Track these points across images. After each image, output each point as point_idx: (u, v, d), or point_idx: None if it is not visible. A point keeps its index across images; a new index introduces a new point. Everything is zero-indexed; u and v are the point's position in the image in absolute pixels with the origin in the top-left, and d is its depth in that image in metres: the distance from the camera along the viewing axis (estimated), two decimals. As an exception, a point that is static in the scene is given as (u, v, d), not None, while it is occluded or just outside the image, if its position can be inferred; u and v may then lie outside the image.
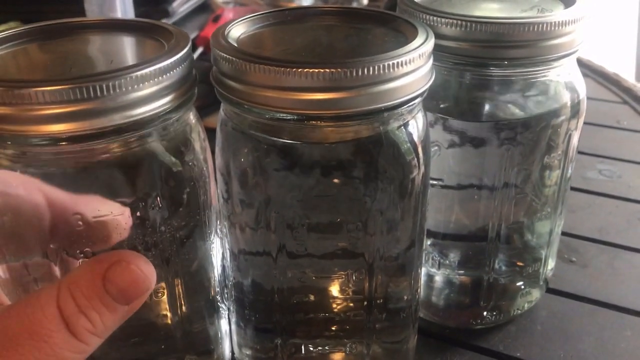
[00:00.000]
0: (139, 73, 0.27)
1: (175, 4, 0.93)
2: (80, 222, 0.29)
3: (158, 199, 0.30)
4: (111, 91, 0.26)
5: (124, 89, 0.26)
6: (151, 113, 0.28)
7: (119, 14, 0.71)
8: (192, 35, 0.95)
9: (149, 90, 0.28)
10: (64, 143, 0.27)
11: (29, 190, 0.29)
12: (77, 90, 0.25)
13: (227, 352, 0.40)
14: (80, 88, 0.25)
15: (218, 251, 0.37)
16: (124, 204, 0.30)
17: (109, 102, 0.26)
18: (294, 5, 1.08)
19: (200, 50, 0.93)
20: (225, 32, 0.32)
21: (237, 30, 0.33)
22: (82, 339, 0.26)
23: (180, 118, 0.31)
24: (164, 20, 0.34)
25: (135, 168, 0.30)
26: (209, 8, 1.09)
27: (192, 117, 0.33)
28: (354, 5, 1.10)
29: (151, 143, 0.30)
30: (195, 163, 0.32)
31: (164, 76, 0.28)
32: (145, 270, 0.28)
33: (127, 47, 0.33)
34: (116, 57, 0.31)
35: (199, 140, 0.33)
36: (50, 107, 0.25)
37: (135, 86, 0.27)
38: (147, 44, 0.32)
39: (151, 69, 0.27)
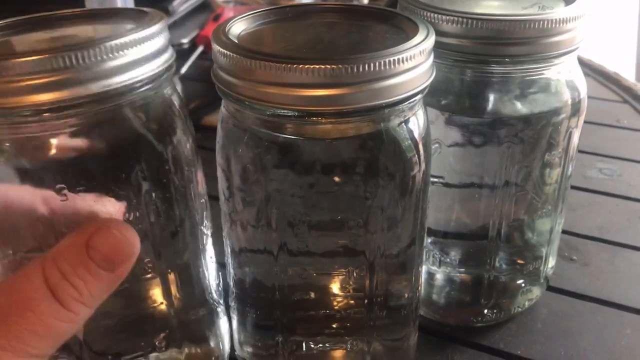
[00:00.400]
0: (115, 42, 0.28)
1: (175, 3, 0.93)
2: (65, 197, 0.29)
3: (141, 174, 0.31)
4: (89, 59, 0.27)
5: (101, 58, 0.27)
6: (129, 81, 0.29)
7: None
8: (193, 34, 0.95)
9: (125, 60, 0.28)
10: (45, 114, 0.27)
11: (20, 191, 0.29)
12: (56, 60, 0.26)
13: (227, 348, 0.40)
14: (58, 57, 0.26)
15: (210, 243, 0.37)
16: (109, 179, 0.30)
17: (87, 70, 0.27)
18: (294, 4, 1.08)
19: (200, 49, 0.93)
20: (226, 29, 0.32)
21: (238, 27, 0.33)
22: (69, 307, 0.26)
23: (158, 92, 0.32)
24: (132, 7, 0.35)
25: (117, 141, 0.31)
26: (209, 7, 1.09)
27: (175, 100, 0.34)
28: (355, 2, 1.10)
29: (132, 120, 0.31)
30: (177, 146, 0.33)
31: (140, 46, 0.29)
32: (128, 235, 0.28)
33: (106, 31, 0.34)
34: (96, 37, 0.32)
35: (183, 127, 0.34)
36: (30, 77, 0.26)
37: (112, 54, 0.28)
38: (124, 28, 0.33)
39: (126, 38, 0.28)
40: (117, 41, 0.28)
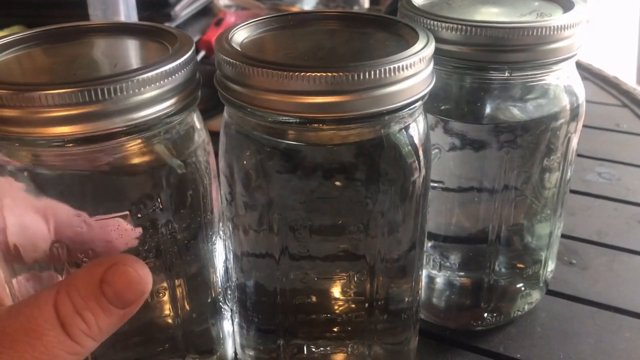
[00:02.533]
0: (142, 76, 0.27)
1: (177, 8, 0.94)
2: (83, 223, 0.29)
3: (160, 200, 0.31)
4: (116, 94, 0.27)
5: (127, 92, 0.27)
6: (155, 116, 0.29)
7: (122, 18, 0.71)
8: (195, 39, 0.95)
9: (152, 94, 0.28)
10: (70, 145, 0.27)
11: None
12: (82, 94, 0.26)
13: (229, 352, 0.40)
14: (86, 91, 0.26)
15: (220, 253, 0.37)
16: (128, 205, 0.30)
17: (113, 105, 0.27)
18: (295, 9, 1.08)
19: (202, 53, 0.93)
20: (229, 37, 0.32)
21: (241, 35, 0.33)
22: (77, 339, 0.26)
23: (183, 120, 0.32)
24: (166, 24, 0.34)
25: (139, 170, 0.31)
26: (211, 12, 1.09)
27: (195, 119, 0.33)
28: (355, 9, 1.11)
29: (155, 145, 0.30)
30: (199, 165, 0.33)
31: (168, 79, 0.29)
32: (142, 273, 0.28)
33: (132, 50, 0.33)
34: (120, 61, 0.32)
35: (202, 142, 0.33)
36: (56, 109, 0.26)
37: (139, 89, 0.27)
38: (151, 47, 0.33)
39: (155, 72, 0.28)
40: (146, 75, 0.27)
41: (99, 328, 0.27)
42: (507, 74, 0.37)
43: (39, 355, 0.25)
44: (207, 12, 1.08)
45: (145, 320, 0.35)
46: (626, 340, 0.46)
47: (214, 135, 0.35)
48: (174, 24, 0.93)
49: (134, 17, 0.75)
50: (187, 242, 0.33)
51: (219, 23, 1.00)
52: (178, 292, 0.34)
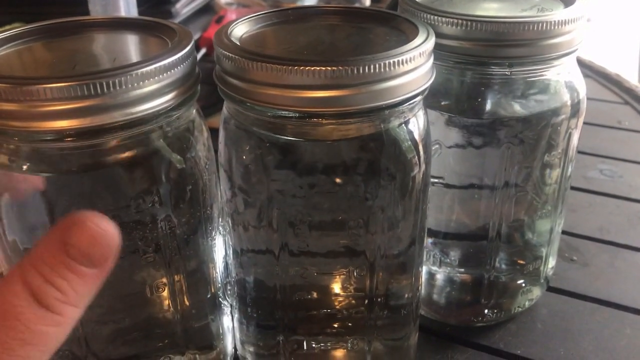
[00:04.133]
0: (141, 70, 0.27)
1: (178, 5, 0.94)
2: None
3: (159, 195, 0.31)
4: (114, 88, 0.26)
5: (127, 86, 0.27)
6: (154, 110, 0.28)
7: (122, 15, 0.71)
8: (195, 37, 0.95)
9: (151, 88, 0.28)
10: (68, 139, 0.27)
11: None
12: (81, 87, 0.26)
13: (229, 348, 0.40)
14: (84, 85, 0.26)
15: (220, 248, 0.37)
16: (127, 200, 0.30)
17: (112, 99, 0.27)
18: (296, 5, 1.08)
19: (203, 51, 0.93)
20: (229, 31, 0.32)
21: (240, 29, 0.33)
22: (55, 310, 0.25)
23: (183, 115, 0.32)
24: (159, 19, 0.34)
25: (139, 165, 0.30)
26: (212, 9, 1.09)
27: (195, 114, 0.33)
28: (357, 4, 1.10)
29: (154, 140, 0.30)
30: (198, 160, 0.33)
31: (167, 73, 0.29)
32: (104, 227, 0.26)
33: (131, 45, 0.33)
34: (120, 55, 0.32)
35: (202, 137, 0.33)
36: (55, 103, 0.26)
37: (138, 83, 0.27)
38: (150, 42, 0.33)
39: (154, 66, 0.28)
40: (145, 69, 0.27)
41: (75, 292, 0.25)
42: (508, 72, 0.37)
43: (20, 336, 0.24)
44: (208, 10, 1.08)
45: (145, 315, 0.35)
46: (627, 337, 0.46)
47: (213, 132, 0.35)
48: (174, 21, 0.93)
49: (134, 14, 0.75)
50: (187, 237, 0.33)
51: (219, 20, 1.00)
52: (178, 288, 0.34)
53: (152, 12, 0.88)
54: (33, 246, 0.25)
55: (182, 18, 0.97)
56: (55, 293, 0.25)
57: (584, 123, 0.42)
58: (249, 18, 0.34)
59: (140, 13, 0.77)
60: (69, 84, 0.26)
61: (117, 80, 0.26)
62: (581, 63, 0.41)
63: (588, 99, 0.41)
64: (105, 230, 0.26)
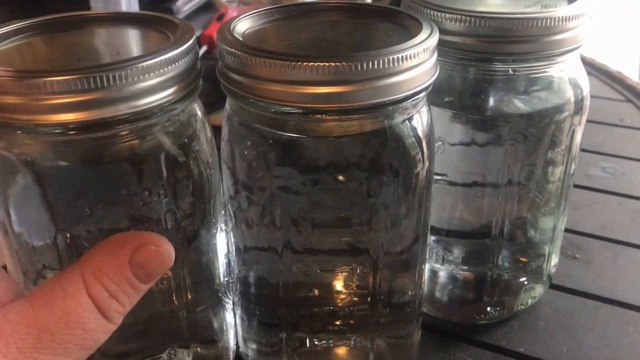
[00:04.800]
0: (144, 64, 0.27)
1: (179, 3, 0.94)
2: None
3: (163, 189, 0.31)
4: (118, 81, 0.27)
5: (130, 80, 0.27)
6: (156, 103, 0.29)
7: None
8: (196, 34, 0.95)
9: (154, 81, 0.28)
10: (72, 132, 0.27)
11: None
12: (85, 80, 0.26)
13: (231, 343, 0.40)
14: (88, 78, 0.26)
15: (222, 243, 0.37)
16: (129, 193, 0.30)
17: (115, 92, 0.27)
18: (298, 1, 1.08)
19: (204, 48, 0.93)
20: (231, 27, 0.32)
21: (243, 25, 0.33)
22: (114, 320, 0.27)
23: (185, 109, 0.32)
24: (161, 13, 0.34)
25: (142, 158, 0.31)
26: (213, 7, 1.09)
27: (197, 108, 0.33)
28: (358, 0, 1.10)
29: (157, 133, 0.30)
30: (201, 154, 0.33)
31: (169, 67, 0.29)
32: (169, 249, 0.29)
33: (133, 39, 0.33)
34: (122, 49, 0.32)
35: (204, 131, 0.33)
36: (59, 96, 0.26)
37: (141, 77, 0.27)
38: (152, 36, 0.33)
39: (156, 60, 0.28)
40: (148, 62, 0.27)
41: (131, 305, 0.28)
42: (510, 71, 0.37)
43: (82, 342, 0.26)
44: (209, 7, 1.08)
45: (150, 309, 0.35)
46: (630, 335, 0.46)
47: (215, 130, 0.35)
48: (175, 19, 0.93)
49: (135, 9, 0.75)
50: (191, 231, 0.33)
51: (220, 18, 1.00)
52: (182, 281, 0.34)
53: (152, 9, 0.88)
54: (91, 252, 0.27)
55: (183, 15, 0.97)
56: (118, 307, 0.27)
57: (586, 121, 0.42)
58: (251, 14, 0.34)
59: (141, 10, 0.76)
60: (73, 77, 0.26)
61: (120, 74, 0.26)
62: (583, 61, 0.41)
63: (590, 96, 0.41)
64: (169, 253, 0.28)
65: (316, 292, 0.36)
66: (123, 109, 0.27)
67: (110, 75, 0.26)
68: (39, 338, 0.25)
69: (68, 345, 0.26)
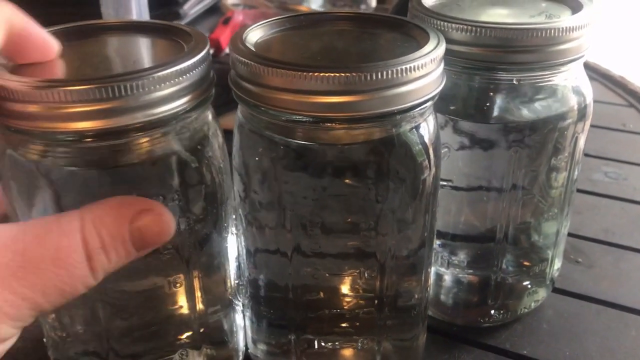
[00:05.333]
0: (160, 74, 0.28)
1: (186, 7, 0.94)
2: None
3: (177, 193, 0.32)
4: (135, 91, 0.27)
5: (146, 89, 0.28)
6: (171, 112, 0.29)
7: (134, 17, 0.72)
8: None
9: (169, 90, 0.29)
10: (89, 140, 0.28)
11: None
12: (103, 90, 0.27)
13: (241, 345, 0.41)
14: (107, 88, 0.27)
15: (233, 246, 0.38)
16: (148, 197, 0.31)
17: (132, 101, 0.28)
18: (302, 8, 1.08)
19: (210, 52, 0.94)
20: (243, 37, 0.33)
21: (255, 35, 0.34)
22: (96, 275, 0.26)
23: (198, 117, 0.33)
24: (175, 22, 0.35)
25: (156, 164, 0.31)
26: (219, 10, 1.10)
27: (209, 116, 0.34)
28: (363, 8, 1.11)
29: (171, 140, 0.31)
30: (213, 160, 0.34)
31: (184, 77, 0.29)
32: (171, 223, 0.28)
33: (149, 49, 0.34)
34: (138, 58, 0.32)
35: (216, 138, 0.34)
36: (77, 105, 0.27)
37: (157, 86, 0.28)
38: (166, 45, 0.33)
39: (172, 69, 0.29)
40: (164, 72, 0.28)
41: (115, 267, 0.27)
42: (515, 81, 0.38)
43: (61, 285, 0.25)
44: (215, 11, 1.09)
45: (163, 311, 0.36)
46: (632, 339, 0.46)
47: (223, 133, 0.35)
48: (182, 22, 0.94)
49: (145, 15, 0.75)
50: (203, 235, 0.34)
51: (227, 21, 1.01)
52: (194, 284, 0.35)
53: (160, 13, 0.89)
54: (95, 203, 0.27)
55: (189, 19, 0.97)
56: (104, 262, 0.26)
57: (589, 125, 0.42)
58: (263, 24, 0.35)
59: (150, 14, 0.77)
60: (92, 86, 0.27)
61: (137, 83, 0.27)
62: (586, 65, 0.42)
63: (593, 101, 0.42)
64: (170, 227, 0.28)
65: (325, 294, 0.37)
66: (139, 118, 0.28)
67: (128, 85, 0.27)
68: (22, 267, 0.24)
69: (47, 284, 0.24)
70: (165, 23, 0.35)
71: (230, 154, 0.35)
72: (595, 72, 0.92)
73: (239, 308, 0.40)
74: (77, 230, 0.25)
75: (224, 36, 0.94)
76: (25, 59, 0.30)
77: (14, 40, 0.28)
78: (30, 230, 0.25)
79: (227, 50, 0.93)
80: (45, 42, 0.30)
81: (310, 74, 0.28)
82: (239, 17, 1.01)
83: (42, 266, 0.24)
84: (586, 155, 0.70)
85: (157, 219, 0.28)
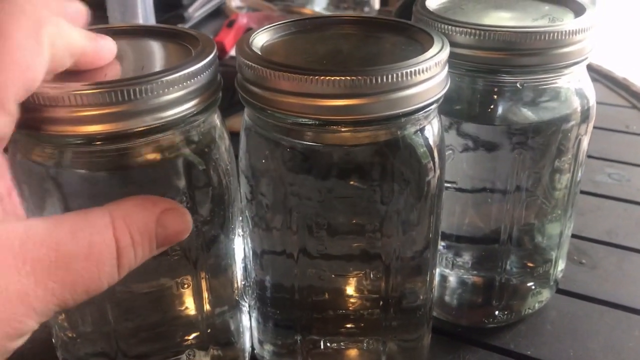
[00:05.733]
0: (168, 77, 0.29)
1: (191, 10, 0.95)
2: None
3: (185, 196, 0.32)
4: (144, 94, 0.28)
5: (155, 93, 0.28)
6: (179, 115, 0.30)
7: (140, 20, 0.72)
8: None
9: (177, 94, 0.29)
10: (98, 143, 0.29)
11: None
12: (113, 94, 0.27)
13: (247, 345, 0.41)
14: (116, 92, 0.27)
15: (239, 248, 0.38)
16: None
17: (141, 104, 0.28)
18: (307, 10, 1.09)
19: (215, 54, 0.94)
20: (250, 41, 0.33)
21: (261, 39, 0.34)
22: (121, 271, 0.26)
23: (206, 120, 0.33)
24: (179, 25, 0.35)
25: (164, 167, 0.32)
26: (223, 13, 1.10)
27: (216, 119, 0.34)
28: (366, 10, 1.11)
29: (179, 143, 0.32)
30: (220, 162, 0.34)
31: (192, 80, 0.30)
32: (190, 222, 0.29)
33: (156, 53, 0.35)
34: (146, 62, 0.33)
35: (223, 140, 0.35)
36: (86, 109, 0.27)
37: (165, 90, 0.29)
38: (174, 50, 0.34)
39: (180, 73, 0.29)
40: (173, 76, 0.29)
41: (138, 263, 0.27)
42: (519, 85, 0.38)
43: (89, 282, 0.25)
44: (219, 14, 1.09)
45: (171, 312, 0.36)
46: (635, 339, 0.47)
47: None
48: (187, 25, 0.94)
49: (151, 19, 0.76)
50: (210, 237, 0.35)
51: (231, 24, 1.01)
52: (202, 285, 0.35)
53: (165, 16, 0.89)
54: (122, 200, 0.27)
55: (194, 22, 0.98)
56: (132, 259, 0.26)
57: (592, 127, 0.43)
58: (269, 28, 0.35)
59: (155, 17, 0.78)
60: (101, 90, 0.27)
61: (146, 87, 0.28)
62: (589, 67, 0.42)
63: (596, 103, 0.42)
64: (189, 222, 0.29)
65: (330, 295, 0.37)
66: (147, 121, 0.29)
67: (137, 89, 0.28)
68: (55, 262, 0.24)
69: (77, 281, 0.24)
70: (173, 27, 0.35)
71: (236, 156, 0.36)
72: (598, 74, 0.93)
73: (246, 309, 0.40)
74: (108, 226, 0.25)
75: (228, 39, 0.94)
76: (79, 68, 0.30)
77: (60, 61, 0.28)
78: (63, 225, 0.25)
79: (231, 53, 0.94)
80: (97, 52, 0.30)
81: (316, 77, 0.29)
82: (243, 20, 1.02)
83: (74, 262, 0.24)
84: (589, 156, 0.71)
85: (181, 218, 0.28)
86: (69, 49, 0.28)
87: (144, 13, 0.72)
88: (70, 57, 0.28)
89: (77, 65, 0.29)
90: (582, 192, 0.63)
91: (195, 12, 0.97)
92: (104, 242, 0.25)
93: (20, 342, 0.24)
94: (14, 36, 0.24)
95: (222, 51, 0.94)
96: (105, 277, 0.25)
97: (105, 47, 0.31)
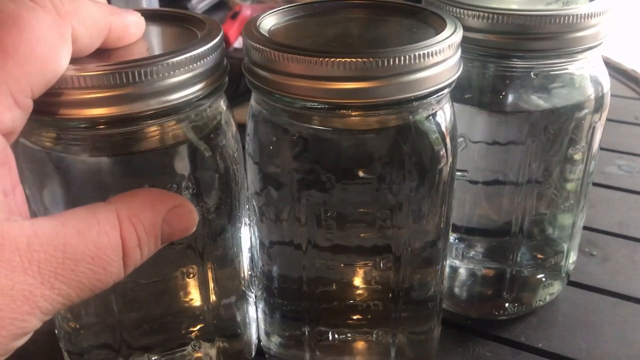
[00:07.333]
0: (174, 60, 0.28)
1: (194, 1, 0.94)
2: None
3: (191, 182, 0.31)
4: (149, 77, 0.27)
5: (160, 75, 0.27)
6: (185, 99, 0.29)
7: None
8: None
9: (183, 77, 0.29)
10: (101, 127, 0.28)
11: None
12: (117, 75, 0.26)
13: (253, 337, 0.41)
14: (120, 73, 0.26)
15: (246, 237, 0.37)
16: (161, 186, 0.31)
17: (146, 87, 0.27)
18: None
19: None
20: (257, 24, 0.32)
21: (269, 22, 0.33)
22: (127, 270, 0.26)
23: (212, 105, 0.32)
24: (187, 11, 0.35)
25: (169, 153, 0.31)
26: (227, 5, 1.09)
27: (223, 104, 0.34)
28: None
29: (184, 128, 0.31)
30: (226, 149, 0.33)
31: (198, 63, 0.29)
32: (196, 219, 0.29)
33: (162, 36, 0.34)
34: (151, 46, 0.32)
35: (229, 127, 0.34)
36: (90, 91, 0.26)
37: (171, 72, 0.28)
38: (180, 33, 0.33)
39: (186, 56, 0.28)
40: (178, 58, 0.28)
41: (143, 261, 0.27)
42: (532, 75, 0.37)
43: (95, 282, 0.25)
44: (223, 5, 1.09)
45: (176, 302, 0.36)
46: (648, 331, 0.46)
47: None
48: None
49: (156, 7, 0.75)
50: (217, 226, 0.34)
51: (234, 16, 1.00)
52: (208, 275, 0.35)
53: (169, 7, 0.88)
54: (128, 197, 0.27)
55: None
56: (137, 259, 0.26)
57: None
58: (276, 11, 0.34)
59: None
60: (105, 72, 0.26)
61: (152, 69, 0.27)
62: (598, 58, 0.41)
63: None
64: (194, 219, 0.28)
65: (339, 286, 0.36)
66: (152, 104, 0.28)
67: (142, 71, 0.27)
68: (62, 263, 0.24)
69: (83, 281, 0.24)
70: (178, 11, 0.35)
71: (243, 145, 0.35)
72: (607, 66, 0.91)
73: (252, 300, 0.40)
74: (115, 227, 0.25)
75: (232, 31, 0.93)
76: (107, 46, 0.29)
77: (88, 45, 0.27)
78: (70, 225, 0.25)
79: (235, 45, 0.93)
80: (124, 27, 0.30)
81: (326, 59, 0.28)
82: (247, 11, 1.01)
83: (81, 263, 0.24)
84: (599, 148, 0.70)
85: (187, 215, 0.28)
86: (95, 30, 0.27)
87: (148, 4, 0.71)
88: (98, 38, 0.28)
89: (105, 44, 0.28)
90: (592, 183, 0.62)
91: (199, 3, 0.97)
92: (111, 244, 0.25)
93: (22, 341, 0.24)
94: (35, 28, 0.24)
95: (226, 43, 0.93)
96: (111, 276, 0.25)
97: (132, 22, 0.30)
